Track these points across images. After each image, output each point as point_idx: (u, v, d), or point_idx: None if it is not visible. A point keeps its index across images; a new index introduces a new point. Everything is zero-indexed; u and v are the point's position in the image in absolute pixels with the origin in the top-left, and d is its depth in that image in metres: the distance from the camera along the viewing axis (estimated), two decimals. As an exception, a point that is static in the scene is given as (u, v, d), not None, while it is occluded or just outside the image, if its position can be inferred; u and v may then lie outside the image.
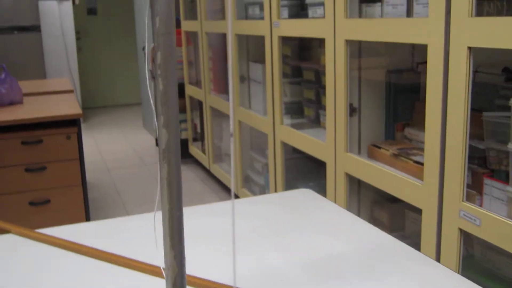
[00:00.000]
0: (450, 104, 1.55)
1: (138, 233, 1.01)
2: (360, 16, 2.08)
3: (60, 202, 2.78)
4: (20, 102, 3.01)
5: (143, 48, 5.64)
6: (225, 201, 1.21)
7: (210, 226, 1.03)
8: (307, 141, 2.51)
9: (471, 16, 1.44)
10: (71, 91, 3.51)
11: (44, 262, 0.89)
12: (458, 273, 0.97)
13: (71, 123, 2.73)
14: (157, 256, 0.89)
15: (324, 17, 2.22)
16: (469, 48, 1.46)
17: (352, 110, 2.22)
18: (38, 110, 2.82)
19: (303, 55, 2.98)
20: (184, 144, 4.75)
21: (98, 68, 8.02)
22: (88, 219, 2.88)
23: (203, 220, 1.06)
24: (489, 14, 1.49)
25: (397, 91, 2.25)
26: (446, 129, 1.59)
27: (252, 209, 1.14)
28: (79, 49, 7.11)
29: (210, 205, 1.16)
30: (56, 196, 2.77)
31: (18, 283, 0.81)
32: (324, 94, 2.34)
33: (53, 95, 3.33)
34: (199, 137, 4.60)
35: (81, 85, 6.88)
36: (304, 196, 1.24)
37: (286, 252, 0.91)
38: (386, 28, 1.81)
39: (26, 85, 3.83)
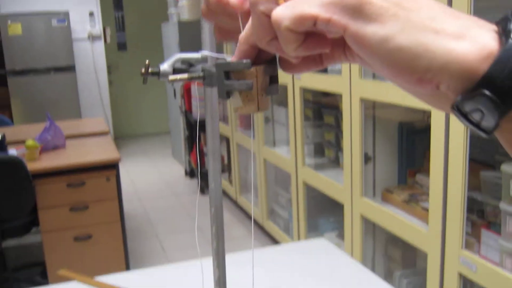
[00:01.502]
0: (451, 160, 1.77)
1: (179, 283, 1.24)
2: (374, 75, 2.31)
3: (101, 236, 3.04)
4: (63, 146, 3.29)
5: (172, 84, 5.93)
6: (245, 251, 1.43)
7: (232, 275, 1.26)
8: (327, 184, 2.74)
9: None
10: (106, 133, 3.79)
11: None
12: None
13: (110, 166, 3.00)
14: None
15: (341, 74, 2.46)
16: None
17: (367, 159, 2.44)
18: (80, 155, 3.10)
19: (324, 100, 3.21)
20: (212, 176, 4.99)
21: (128, 100, 8.38)
22: (126, 250, 3.13)
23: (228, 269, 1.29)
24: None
25: (409, 140, 2.46)
26: (448, 181, 1.80)
27: (271, 258, 1.36)
28: (110, 83, 7.46)
29: (233, 255, 1.39)
30: (98, 231, 3.04)
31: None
32: (343, 138, 2.56)
33: (91, 138, 3.62)
34: (226, 169, 4.85)
35: (113, 115, 7.22)
36: (320, 247, 1.46)
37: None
38: (396, 91, 2.04)
39: (65, 126, 4.13)
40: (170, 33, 5.86)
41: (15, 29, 5.96)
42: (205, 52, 0.53)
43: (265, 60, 0.47)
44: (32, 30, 6.05)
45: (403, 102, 2.00)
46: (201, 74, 0.52)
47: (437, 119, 1.80)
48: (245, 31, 0.45)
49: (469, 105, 0.35)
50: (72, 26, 6.40)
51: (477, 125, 0.35)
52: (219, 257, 0.78)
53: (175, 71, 0.57)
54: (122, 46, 8.23)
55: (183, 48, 5.36)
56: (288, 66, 0.45)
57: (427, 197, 2.20)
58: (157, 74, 0.56)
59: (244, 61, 0.45)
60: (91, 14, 6.72)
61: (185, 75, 0.52)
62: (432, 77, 0.36)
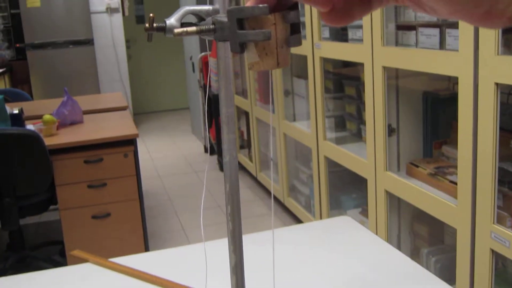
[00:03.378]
0: (481, 130, 1.67)
1: (197, 263, 1.18)
2: (396, 43, 2.20)
3: (119, 215, 3.00)
4: (81, 122, 3.24)
5: (191, 58, 5.85)
6: (266, 231, 1.36)
7: (252, 256, 1.19)
8: (349, 158, 2.65)
9: (497, 55, 1.56)
10: (125, 108, 3.74)
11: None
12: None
13: (128, 142, 2.94)
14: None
15: (362, 42, 2.35)
16: (496, 84, 1.58)
17: (391, 131, 2.34)
18: (98, 130, 3.05)
19: (345, 71, 3.11)
20: (231, 151, 4.93)
21: (147, 75, 8.32)
22: (145, 229, 3.09)
23: (246, 249, 1.23)
24: (515, 50, 1.60)
25: (434, 110, 2.36)
26: (477, 152, 1.71)
27: (292, 238, 1.29)
28: (129, 57, 7.39)
29: (251, 235, 1.32)
30: (116, 209, 2.99)
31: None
32: (365, 109, 2.47)
33: (110, 113, 3.56)
34: (246, 145, 4.78)
35: (131, 91, 7.16)
36: (343, 224, 1.39)
37: (323, 279, 1.06)
38: (420, 58, 1.94)
39: (83, 102, 4.08)
40: (189, 4, 5.77)
41: (34, 1, 5.91)
42: (218, 2, 0.45)
43: (285, 7, 0.39)
44: (51, 2, 6.00)
45: (428, 69, 1.90)
46: (211, 26, 0.44)
47: (465, 86, 1.70)
48: None
49: None
50: (90, -1, 6.35)
51: None
52: (235, 240, 0.71)
53: (183, 25, 0.49)
54: (140, 19, 8.15)
55: (200, 21, 5.26)
56: (331, 14, 0.36)
57: (455, 170, 2.10)
58: (163, 29, 0.49)
59: (261, 5, 0.37)
60: (109, -14, 6.65)
61: (193, 28, 0.45)
62: (504, 9, 0.28)
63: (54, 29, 6.06)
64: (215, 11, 0.51)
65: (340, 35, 2.81)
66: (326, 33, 2.85)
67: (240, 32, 0.38)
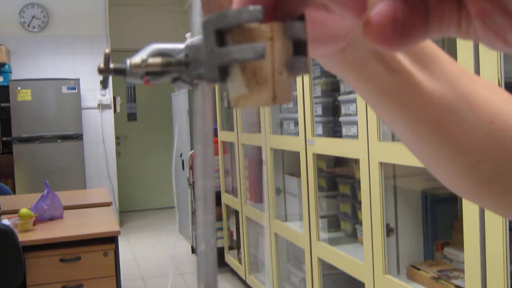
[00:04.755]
0: (488, 230, 1.53)
1: None
2: (393, 138, 2.11)
3: (95, 320, 2.76)
4: (61, 217, 3.07)
5: (181, 155, 5.77)
6: None
7: None
8: (345, 260, 2.48)
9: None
10: (109, 204, 3.58)
11: None
12: None
13: (109, 240, 2.76)
14: None
15: (357, 137, 2.26)
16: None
17: (389, 230, 2.20)
18: (77, 226, 2.87)
19: (338, 169, 3.01)
20: (220, 253, 4.72)
21: (136, 172, 8.20)
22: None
23: None
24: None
25: (434, 209, 2.23)
26: (486, 255, 1.56)
27: None
28: (118, 154, 7.30)
29: None
30: (92, 314, 2.76)
31: None
32: (360, 209, 2.33)
33: (92, 209, 3.40)
34: (235, 245, 4.58)
35: (119, 188, 7.01)
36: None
37: None
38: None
39: (66, 196, 3.92)
40: (180, 102, 5.78)
41: (25, 95, 5.89)
42: (191, 38, 0.32)
43: (286, 17, 0.26)
44: (42, 97, 5.98)
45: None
46: (182, 57, 0.31)
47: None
48: None
49: None
50: (82, 94, 6.34)
51: None
52: None
53: (150, 72, 0.35)
54: (132, 117, 8.16)
55: (192, 116, 5.23)
56: (377, 30, 0.24)
57: (460, 273, 1.94)
58: (123, 71, 0.35)
59: (251, 7, 0.24)
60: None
61: (157, 59, 0.32)
62: None
63: (43, 123, 6.00)
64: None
65: (334, 132, 2.73)
66: (319, 130, 2.77)
67: (220, 49, 0.25)
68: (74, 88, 6.10)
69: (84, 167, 6.29)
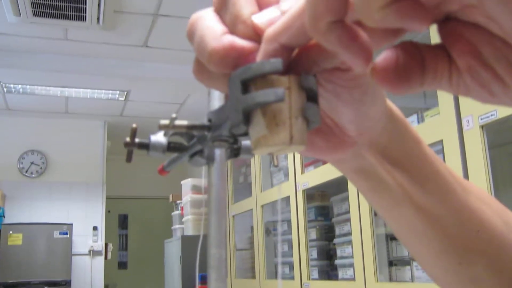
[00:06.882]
0: None
1: None
2: (390, 279, 2.09)
3: None
4: None
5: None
6: None
7: None
8: None
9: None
10: None
11: None
12: None
13: None
14: None
15: (354, 279, 2.23)
16: None
17: None
18: None
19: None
20: None
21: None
22: None
23: None
24: None
25: None
26: None
27: None
28: (106, 303, 7.06)
29: None
30: None
31: None
32: None
33: None
34: None
35: None
36: None
37: None
38: (419, 293, 1.80)
39: None
40: (173, 248, 5.72)
41: (16, 239, 5.83)
42: (214, 108, 0.36)
43: (299, 72, 0.31)
44: (33, 241, 5.90)
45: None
46: (206, 123, 0.35)
47: None
48: (275, 25, 0.29)
49: None
50: (74, 239, 6.26)
51: None
52: None
53: (171, 146, 0.39)
54: (122, 265, 8.01)
55: (185, 262, 5.15)
56: (382, 73, 0.27)
57: None
58: (147, 146, 0.39)
59: (272, 60, 0.28)
60: (95, 228, 6.64)
61: (183, 122, 0.35)
62: None
63: (32, 269, 5.86)
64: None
65: (330, 275, 2.69)
66: (315, 273, 2.73)
67: (245, 96, 0.29)
68: (66, 233, 6.06)
69: (70, 315, 6.06)
